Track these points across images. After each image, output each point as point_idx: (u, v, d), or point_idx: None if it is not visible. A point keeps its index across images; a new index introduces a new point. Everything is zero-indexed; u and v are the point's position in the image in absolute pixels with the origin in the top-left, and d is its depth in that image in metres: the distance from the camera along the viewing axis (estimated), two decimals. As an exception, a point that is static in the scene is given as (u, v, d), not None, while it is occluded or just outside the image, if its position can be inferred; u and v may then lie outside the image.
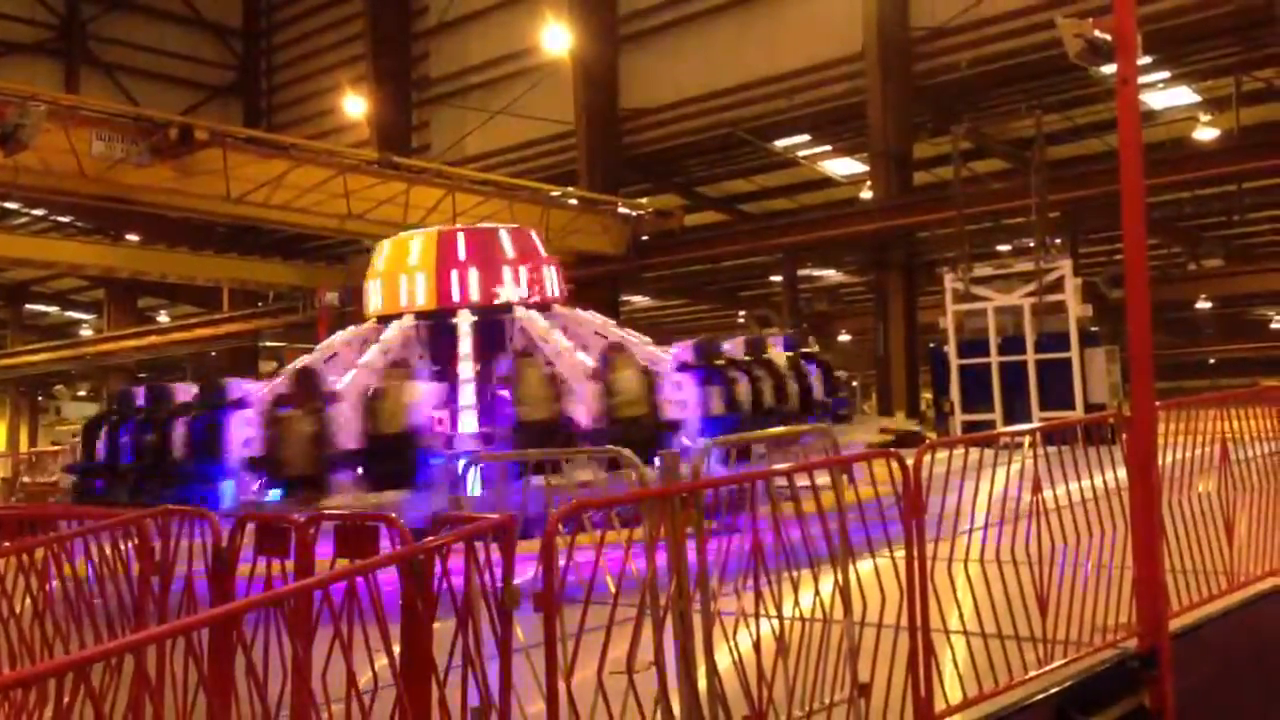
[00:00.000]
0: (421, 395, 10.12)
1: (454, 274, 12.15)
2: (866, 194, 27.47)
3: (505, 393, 10.61)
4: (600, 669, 4.02)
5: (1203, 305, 36.03)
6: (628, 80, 29.69)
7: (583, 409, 10.31)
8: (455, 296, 12.10)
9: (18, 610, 5.02)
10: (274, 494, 9.99)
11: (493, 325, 12.07)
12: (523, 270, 12.35)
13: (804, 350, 12.82)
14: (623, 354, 10.69)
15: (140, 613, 4.63)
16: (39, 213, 34.38)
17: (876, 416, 21.24)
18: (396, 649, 3.68)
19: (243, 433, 10.03)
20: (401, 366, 10.68)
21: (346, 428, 9.95)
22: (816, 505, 4.80)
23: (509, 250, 12.42)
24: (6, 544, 5.53)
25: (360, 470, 10.02)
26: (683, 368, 10.91)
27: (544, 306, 12.42)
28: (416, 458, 9.79)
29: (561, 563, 3.88)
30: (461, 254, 12.25)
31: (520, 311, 12.02)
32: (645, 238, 27.81)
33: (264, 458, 10.01)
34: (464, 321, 11.76)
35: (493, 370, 11.25)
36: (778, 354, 12.00)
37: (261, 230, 29.19)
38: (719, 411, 10.51)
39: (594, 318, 12.96)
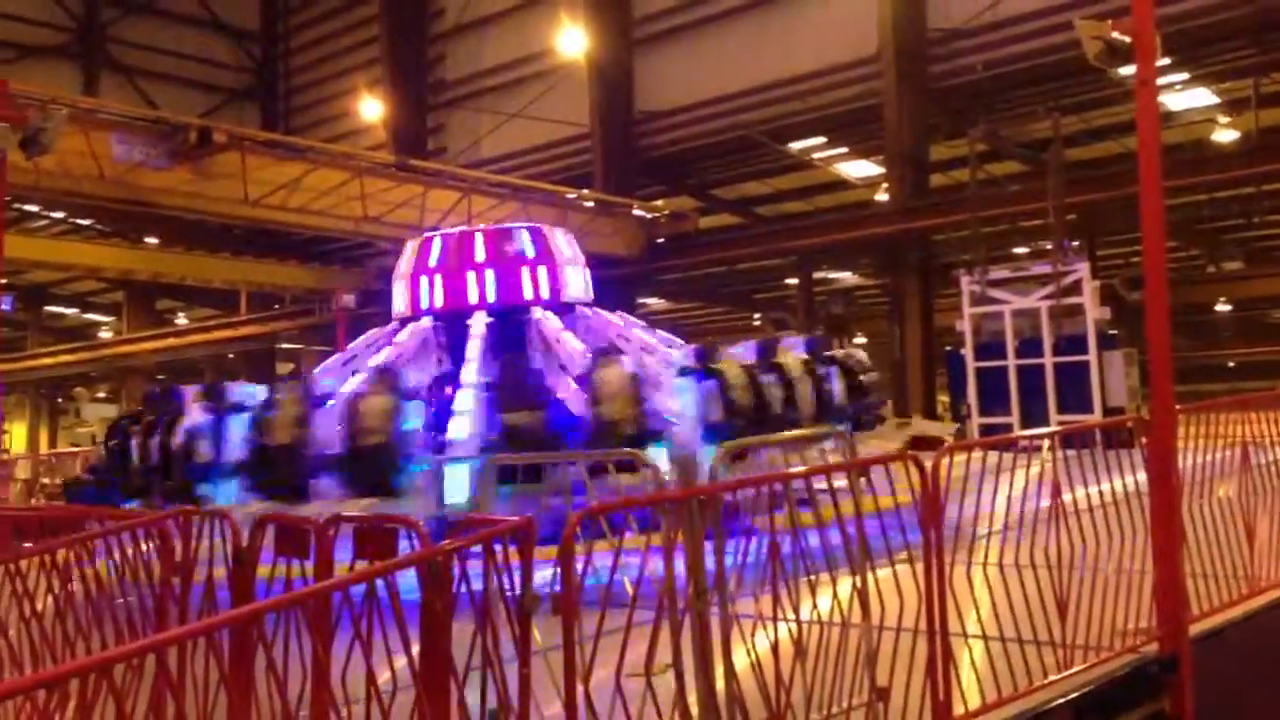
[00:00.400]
0: (399, 404, 10.00)
1: (470, 275, 12.12)
2: (882, 196, 27.43)
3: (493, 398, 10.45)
4: (618, 671, 4.02)
5: (1222, 308, 35.84)
6: (643, 83, 29.70)
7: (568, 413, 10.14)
8: (473, 297, 12.06)
9: (39, 609, 5.06)
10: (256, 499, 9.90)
11: (507, 327, 12.00)
12: (543, 270, 12.27)
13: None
14: (385, 377, 10.50)
15: (161, 612, 4.65)
16: (58, 215, 34.56)
17: (916, 420, 20.99)
18: (416, 650, 3.70)
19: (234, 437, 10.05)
20: (388, 375, 10.60)
21: (329, 434, 9.88)
22: (834, 509, 4.79)
23: (529, 250, 12.36)
24: (29, 544, 5.58)
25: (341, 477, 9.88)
26: (681, 373, 10.68)
27: (567, 308, 12.35)
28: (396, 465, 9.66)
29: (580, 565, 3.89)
30: (480, 255, 12.22)
31: (537, 312, 11.96)
32: (660, 240, 27.84)
33: (250, 463, 9.98)
34: (478, 323, 11.72)
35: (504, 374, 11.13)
36: (790, 358, 11.72)
37: (278, 233, 29.32)
38: (716, 418, 10.35)
39: (614, 319, 12.88)
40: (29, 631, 5.08)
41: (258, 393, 10.73)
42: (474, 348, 11.23)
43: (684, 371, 10.59)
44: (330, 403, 10.13)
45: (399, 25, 34.85)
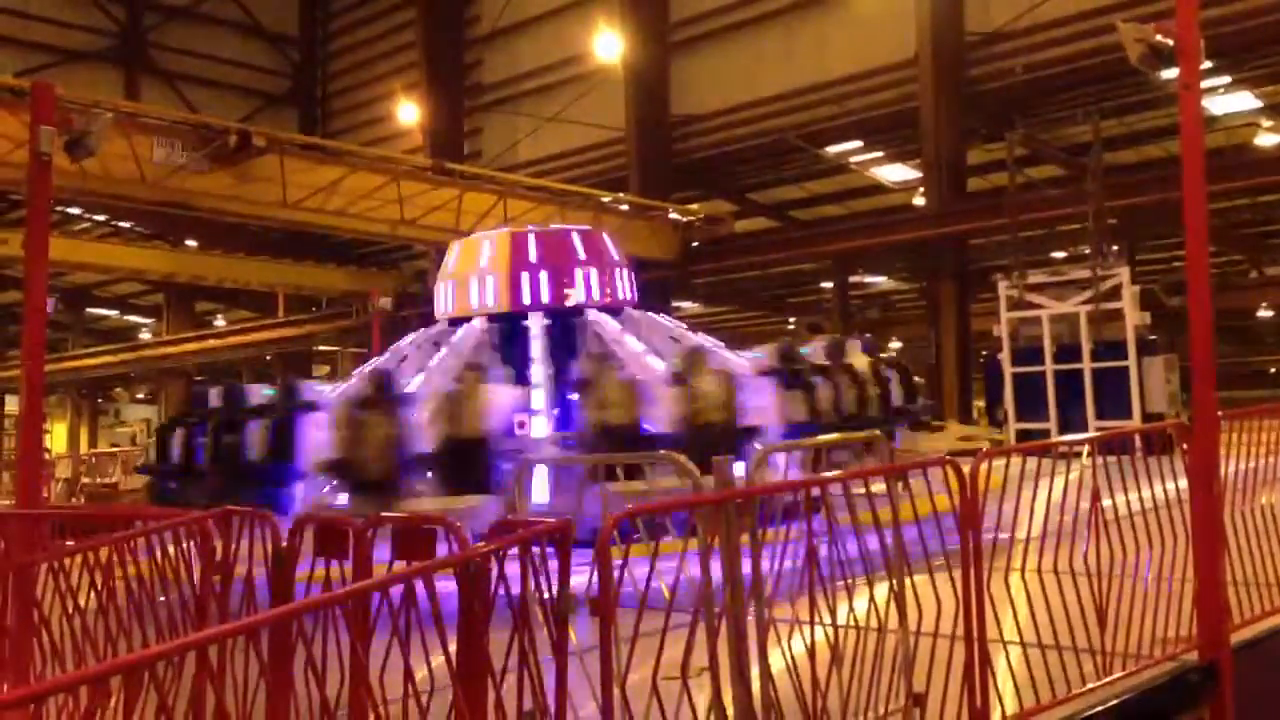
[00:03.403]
0: (499, 399, 9.97)
1: (525, 276, 12.11)
2: (919, 200, 27.29)
3: (577, 397, 10.44)
4: (654, 674, 4.02)
5: (1264, 314, 35.40)
6: (678, 86, 29.72)
7: (660, 414, 10.09)
8: (526, 299, 12.05)
9: (82, 606, 5.13)
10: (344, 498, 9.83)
11: (564, 328, 12.00)
12: (594, 272, 12.27)
13: (881, 356, 12.59)
14: (702, 358, 10.55)
15: (202, 611, 4.70)
16: (100, 218, 35.03)
17: (957, 425, 20.93)
18: (453, 650, 3.72)
19: (317, 435, 9.89)
20: (476, 369, 10.56)
21: (421, 431, 9.75)
22: (872, 513, 4.77)
23: (582, 252, 12.36)
24: (71, 543, 5.66)
25: (433, 474, 9.81)
26: (763, 373, 10.76)
27: (615, 309, 12.38)
28: (490, 462, 9.61)
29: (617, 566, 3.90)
30: (533, 255, 12.20)
31: (592, 314, 11.96)
32: (695, 244, 27.84)
33: (338, 461, 9.83)
34: (535, 324, 11.72)
35: (567, 374, 11.12)
36: (860, 359, 11.90)
37: (316, 236, 29.61)
38: (800, 418, 10.35)
39: (665, 321, 12.92)
40: (71, 628, 5.14)
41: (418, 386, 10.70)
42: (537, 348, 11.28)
43: (765, 372, 10.62)
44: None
45: (436, 30, 35.06)
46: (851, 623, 4.57)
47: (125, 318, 47.91)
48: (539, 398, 10.72)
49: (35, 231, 7.62)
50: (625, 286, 12.71)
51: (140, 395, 53.42)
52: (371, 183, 21.54)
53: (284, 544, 4.53)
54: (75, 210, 33.24)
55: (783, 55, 27.39)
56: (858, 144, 28.49)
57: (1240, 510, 6.59)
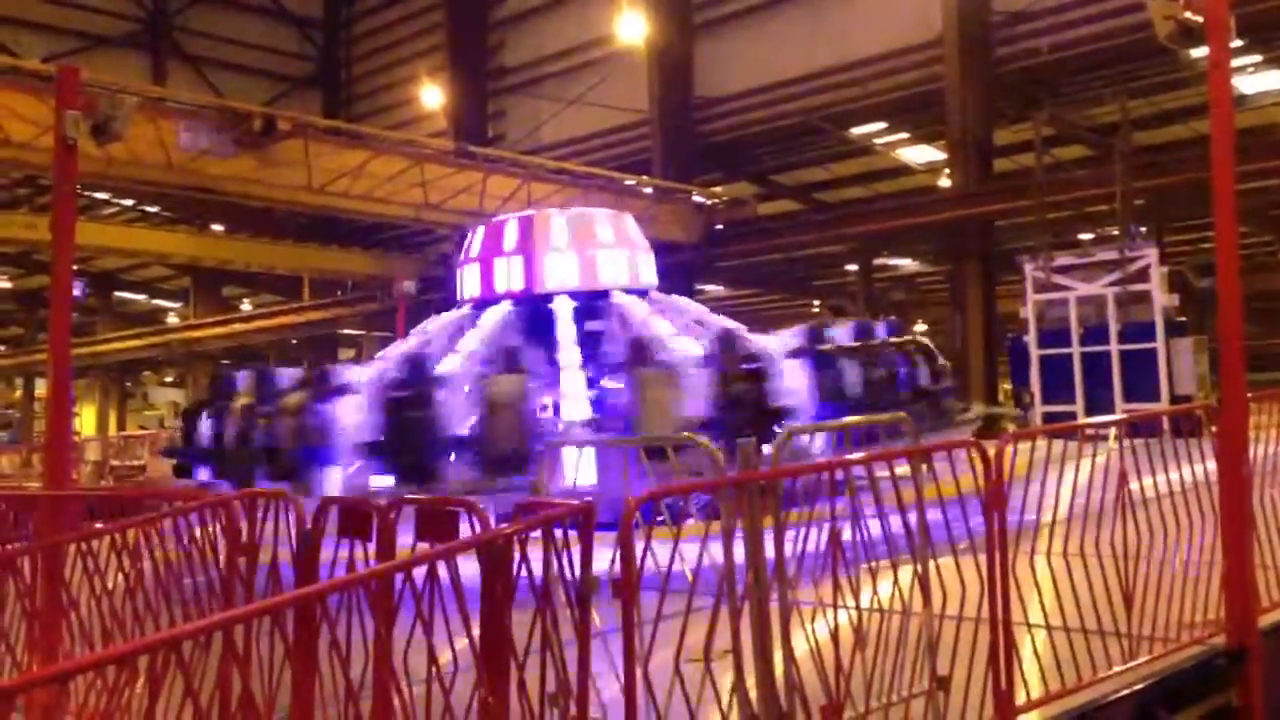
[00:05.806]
0: (532, 383, 9.99)
1: (549, 258, 12.06)
2: (945, 182, 27.12)
3: (617, 383, 10.44)
4: (677, 656, 4.02)
5: (1293, 295, 35.01)
6: (702, 68, 29.60)
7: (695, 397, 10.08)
8: (551, 282, 12.02)
9: (110, 587, 5.17)
10: (384, 480, 9.83)
11: (590, 311, 11.98)
12: (619, 255, 12.24)
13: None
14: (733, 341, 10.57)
15: (228, 592, 4.74)
16: (128, 203, 35.25)
17: (982, 405, 20.77)
18: (476, 632, 3.73)
19: (354, 418, 9.90)
20: (511, 353, 10.59)
21: (457, 414, 9.77)
22: (896, 495, 4.74)
23: (607, 235, 12.31)
24: (99, 524, 5.71)
25: (472, 457, 9.82)
26: (790, 355, 10.76)
27: (640, 292, 12.35)
28: (528, 445, 9.61)
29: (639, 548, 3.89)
30: (557, 238, 12.15)
31: (618, 297, 11.93)
32: (719, 226, 27.75)
33: (378, 443, 9.84)
34: (561, 307, 11.71)
35: (593, 357, 11.12)
36: (885, 341, 11.89)
37: (340, 220, 29.72)
38: (826, 400, 10.36)
39: (690, 305, 12.92)
40: (99, 609, 5.19)
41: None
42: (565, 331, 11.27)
43: (791, 354, 10.64)
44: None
45: (460, 12, 35.05)
46: (875, 606, 4.56)
47: (153, 302, 48.26)
48: (566, 380, 10.71)
49: (62, 215, 7.67)
50: (649, 269, 12.69)
51: (168, 379, 53.84)
52: (395, 166, 21.59)
53: (308, 526, 4.55)
54: (102, 195, 33.46)
55: (807, 36, 27.21)
56: (882, 125, 28.32)
57: (1269, 493, 6.53)
